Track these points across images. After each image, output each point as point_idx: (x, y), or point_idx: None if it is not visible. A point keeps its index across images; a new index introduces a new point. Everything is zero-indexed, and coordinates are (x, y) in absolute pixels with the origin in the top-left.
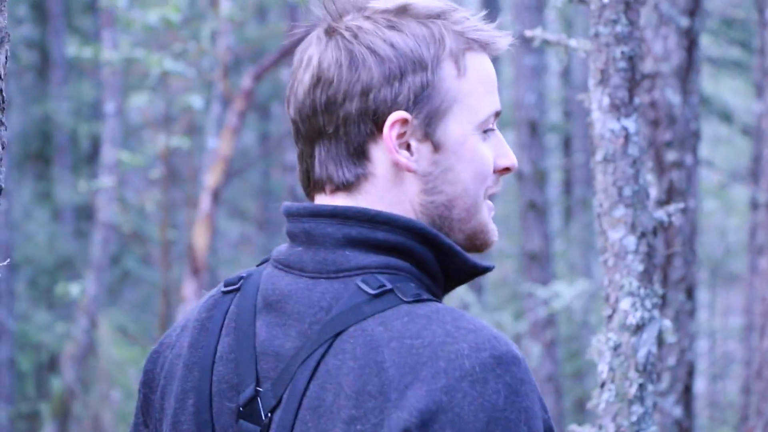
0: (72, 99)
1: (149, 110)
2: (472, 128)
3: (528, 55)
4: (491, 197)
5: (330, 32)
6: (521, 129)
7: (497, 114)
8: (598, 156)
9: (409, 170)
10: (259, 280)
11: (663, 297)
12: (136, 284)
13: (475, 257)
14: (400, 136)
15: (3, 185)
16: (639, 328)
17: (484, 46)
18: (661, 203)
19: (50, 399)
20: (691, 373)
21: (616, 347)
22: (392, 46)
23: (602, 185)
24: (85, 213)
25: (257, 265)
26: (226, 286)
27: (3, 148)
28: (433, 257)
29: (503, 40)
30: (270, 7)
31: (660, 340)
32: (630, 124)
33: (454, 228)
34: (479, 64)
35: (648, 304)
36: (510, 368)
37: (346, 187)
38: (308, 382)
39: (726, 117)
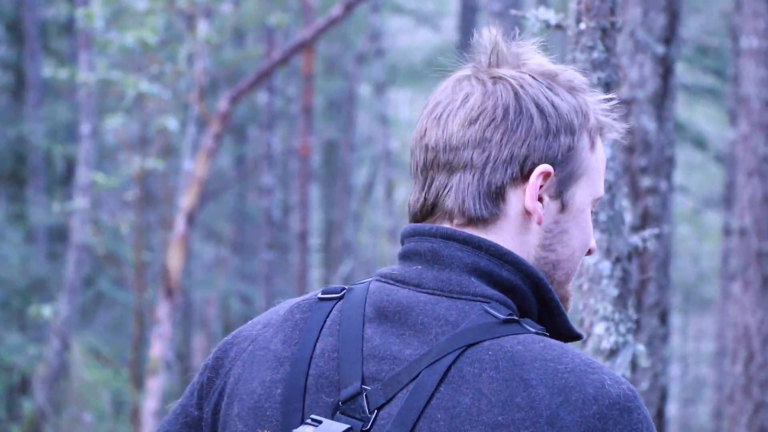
0: (47, 120)
1: (125, 132)
2: (590, 201)
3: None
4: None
5: (495, 77)
6: None
7: (598, 199)
8: None
9: (538, 221)
10: (366, 291)
11: (637, 321)
12: (110, 306)
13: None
14: (539, 188)
15: None
16: (613, 353)
17: (609, 130)
18: (636, 228)
19: (21, 421)
20: (663, 398)
21: None
22: (552, 104)
23: None
24: (59, 234)
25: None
26: (324, 293)
27: None
28: (537, 309)
29: (620, 128)
30: (247, 30)
31: (634, 365)
32: (606, 149)
33: (552, 288)
34: (601, 146)
35: (622, 328)
36: (641, 402)
37: (479, 222)
38: (438, 384)
39: (700, 143)
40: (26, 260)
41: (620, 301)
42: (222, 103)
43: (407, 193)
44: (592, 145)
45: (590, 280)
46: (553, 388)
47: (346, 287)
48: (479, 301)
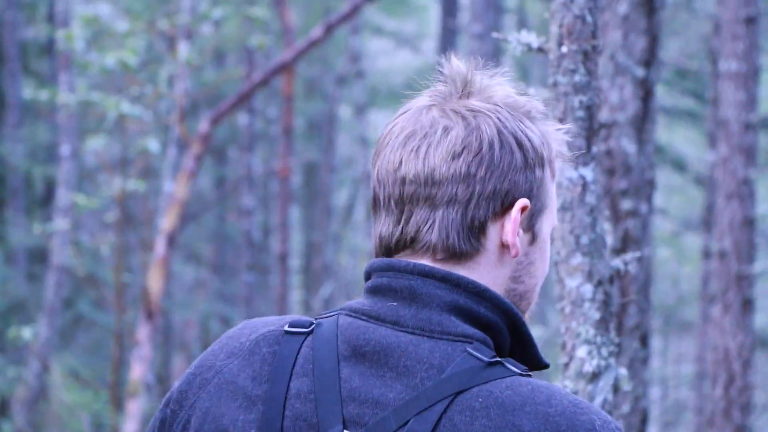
0: (27, 141)
1: (105, 153)
2: (551, 229)
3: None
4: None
5: (473, 111)
6: None
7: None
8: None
9: (515, 255)
10: (335, 327)
11: (618, 345)
12: (89, 328)
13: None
14: (519, 223)
15: None
16: (595, 376)
17: (563, 158)
18: (617, 251)
19: None
20: (644, 421)
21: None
22: (528, 138)
23: (560, 233)
24: (39, 256)
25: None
26: (292, 326)
27: None
28: (509, 342)
29: (569, 154)
30: (228, 51)
31: (616, 388)
32: (588, 172)
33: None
34: (558, 171)
35: (604, 352)
36: None
37: (460, 256)
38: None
39: (680, 166)
40: (5, 282)
41: (602, 324)
42: (202, 125)
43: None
44: (553, 174)
45: (572, 303)
46: (546, 427)
47: (315, 321)
48: (461, 341)
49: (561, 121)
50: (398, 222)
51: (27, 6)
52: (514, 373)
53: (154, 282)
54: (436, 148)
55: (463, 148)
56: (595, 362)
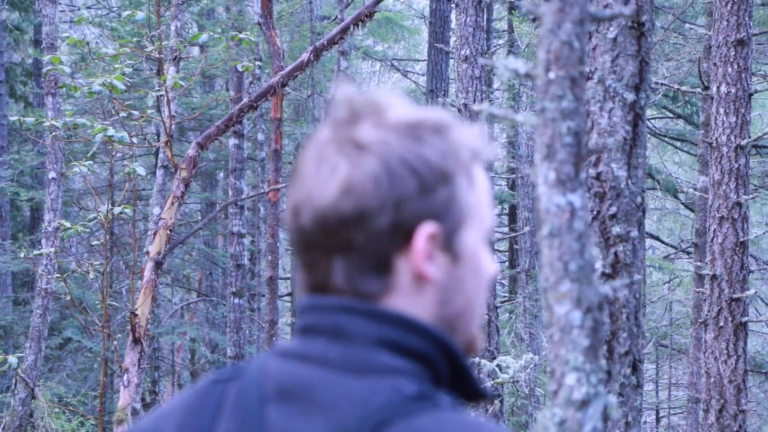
0: (13, 165)
1: (92, 177)
2: (481, 238)
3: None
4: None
5: (356, 143)
6: None
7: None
8: (544, 230)
9: (432, 281)
10: (264, 369)
11: (608, 372)
12: (77, 353)
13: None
14: (430, 251)
15: None
16: (584, 404)
17: (483, 155)
18: (607, 276)
19: None
20: None
21: (561, 423)
22: (422, 159)
23: (548, 260)
24: (25, 281)
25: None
26: (219, 376)
27: None
28: (449, 374)
29: (492, 149)
30: (216, 75)
31: (605, 416)
32: (576, 198)
33: (454, 338)
34: (481, 174)
35: (593, 379)
36: None
37: (375, 296)
38: None
39: (671, 190)
40: None
41: (591, 352)
42: (190, 149)
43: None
44: (470, 180)
45: (561, 330)
46: None
47: (242, 366)
48: (387, 376)
49: (548, 147)
50: (308, 269)
51: (13, 29)
52: (442, 408)
53: (142, 307)
54: (323, 193)
55: (349, 187)
56: (584, 390)
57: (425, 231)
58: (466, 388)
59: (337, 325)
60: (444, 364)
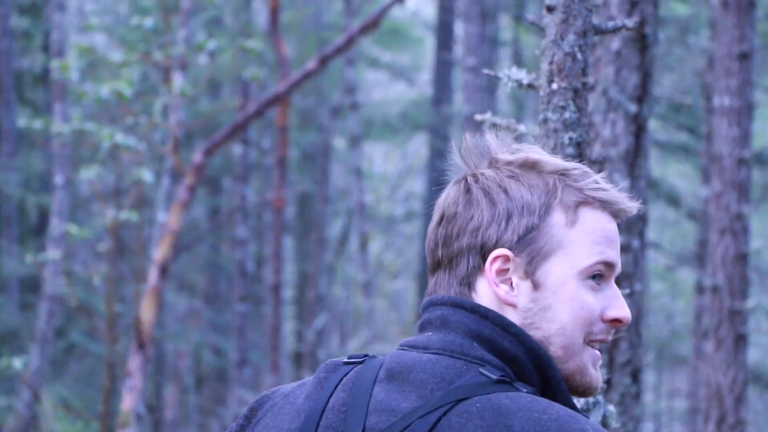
0: (21, 170)
1: (99, 183)
2: (574, 273)
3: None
4: (601, 347)
5: (459, 179)
6: None
7: (609, 265)
8: None
9: (508, 304)
10: (384, 359)
11: (608, 381)
12: (81, 358)
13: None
14: (502, 272)
15: None
16: (584, 413)
17: (603, 204)
18: None
19: None
20: None
21: None
22: (504, 191)
23: None
24: (31, 285)
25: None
26: (349, 359)
27: None
28: (539, 383)
29: (629, 203)
30: (222, 82)
31: (604, 425)
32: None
33: (553, 357)
34: (593, 218)
35: None
36: None
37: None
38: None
39: (673, 200)
40: None
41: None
42: (197, 155)
43: (380, 246)
44: (570, 218)
45: None
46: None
47: (369, 355)
48: (477, 363)
49: None
50: (431, 278)
51: (22, 35)
52: (520, 391)
53: (147, 312)
54: (433, 219)
55: (441, 216)
56: (583, 399)
57: (494, 255)
58: (555, 399)
59: (444, 316)
60: (533, 371)
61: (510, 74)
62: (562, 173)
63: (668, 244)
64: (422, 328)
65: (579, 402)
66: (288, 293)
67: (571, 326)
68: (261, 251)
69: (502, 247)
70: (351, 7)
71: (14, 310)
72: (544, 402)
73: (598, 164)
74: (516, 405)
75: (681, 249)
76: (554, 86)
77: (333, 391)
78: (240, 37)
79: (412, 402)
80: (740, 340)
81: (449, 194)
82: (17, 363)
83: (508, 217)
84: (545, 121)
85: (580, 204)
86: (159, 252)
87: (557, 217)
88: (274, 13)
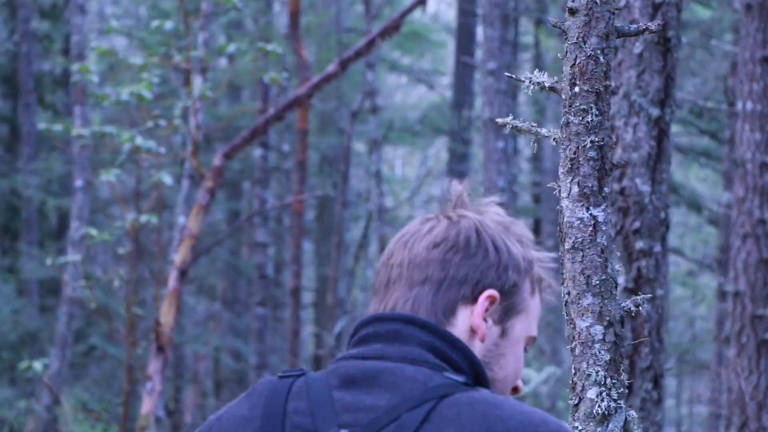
0: (41, 173)
1: (119, 186)
2: (525, 336)
3: (498, 139)
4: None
5: (460, 215)
6: None
7: (534, 339)
8: (567, 244)
9: (482, 338)
10: (326, 371)
11: (629, 386)
12: (101, 360)
13: None
14: (486, 310)
15: None
16: (605, 418)
17: (546, 285)
18: (629, 291)
19: None
20: None
21: None
22: (506, 245)
23: (570, 273)
24: (51, 288)
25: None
26: (284, 373)
27: None
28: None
29: (554, 287)
30: (242, 85)
31: (626, 431)
32: (599, 213)
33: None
34: (538, 296)
35: (614, 393)
36: None
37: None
38: (422, 423)
39: (695, 205)
40: (18, 313)
41: (612, 366)
42: (216, 159)
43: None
44: (533, 291)
45: (582, 344)
46: (524, 422)
47: (304, 370)
48: (439, 369)
49: (572, 161)
50: (382, 300)
51: (42, 38)
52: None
53: (166, 315)
54: (420, 241)
55: (443, 239)
56: (605, 404)
57: (489, 293)
58: None
59: (395, 330)
60: (473, 378)
61: (532, 77)
62: (533, 248)
63: (690, 249)
64: (363, 341)
65: (601, 408)
66: (307, 297)
67: (512, 378)
68: (280, 255)
69: (495, 289)
70: (371, 11)
71: (34, 312)
72: (515, 400)
73: (620, 168)
74: (498, 399)
75: (703, 254)
76: (576, 89)
77: (286, 399)
78: (260, 40)
79: (389, 400)
80: (762, 346)
81: (454, 225)
82: (37, 365)
83: (505, 269)
84: (567, 124)
85: (539, 280)
86: (178, 255)
87: (527, 284)
88: (295, 16)
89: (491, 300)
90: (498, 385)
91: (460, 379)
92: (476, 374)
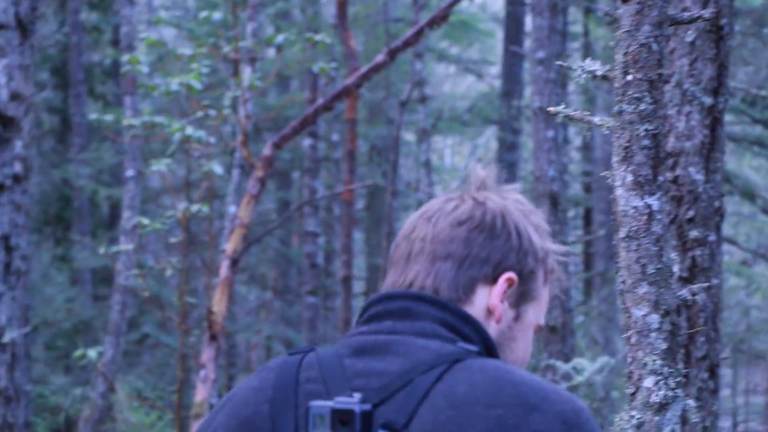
0: (92, 163)
1: (169, 176)
2: (535, 323)
3: (548, 128)
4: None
5: (486, 197)
6: (541, 202)
7: (541, 328)
8: (622, 233)
9: (498, 319)
10: (334, 345)
11: (686, 375)
12: (154, 348)
13: None
14: (504, 291)
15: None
16: (663, 407)
17: (554, 278)
18: (684, 280)
19: None
20: None
21: (639, 425)
22: (528, 232)
23: (625, 262)
24: (104, 277)
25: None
26: (293, 351)
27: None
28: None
29: (561, 278)
30: (291, 76)
31: (684, 419)
32: (654, 201)
33: None
34: (549, 287)
35: (671, 382)
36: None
37: (449, 302)
38: (434, 383)
39: (748, 195)
40: (71, 302)
41: (669, 355)
42: (266, 148)
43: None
44: (545, 281)
45: (638, 333)
46: (535, 388)
47: (314, 346)
48: (452, 341)
49: (626, 150)
50: (401, 273)
51: (92, 30)
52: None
53: (218, 304)
54: (445, 218)
55: (469, 218)
56: (662, 393)
57: (509, 275)
58: None
59: (406, 307)
60: (485, 352)
61: (584, 66)
62: (548, 239)
63: (744, 238)
64: (373, 319)
65: (658, 397)
66: (358, 286)
67: (520, 363)
68: (331, 244)
69: (514, 272)
70: (419, 1)
71: (87, 301)
72: (525, 372)
73: (673, 157)
74: (508, 367)
75: (757, 244)
76: (629, 77)
77: (298, 370)
78: (308, 30)
79: (402, 365)
80: None
81: (480, 206)
82: (92, 353)
83: (525, 254)
84: (620, 112)
85: (551, 271)
86: (230, 244)
87: (540, 273)
88: (342, 6)
89: (510, 283)
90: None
91: (474, 348)
92: (488, 349)
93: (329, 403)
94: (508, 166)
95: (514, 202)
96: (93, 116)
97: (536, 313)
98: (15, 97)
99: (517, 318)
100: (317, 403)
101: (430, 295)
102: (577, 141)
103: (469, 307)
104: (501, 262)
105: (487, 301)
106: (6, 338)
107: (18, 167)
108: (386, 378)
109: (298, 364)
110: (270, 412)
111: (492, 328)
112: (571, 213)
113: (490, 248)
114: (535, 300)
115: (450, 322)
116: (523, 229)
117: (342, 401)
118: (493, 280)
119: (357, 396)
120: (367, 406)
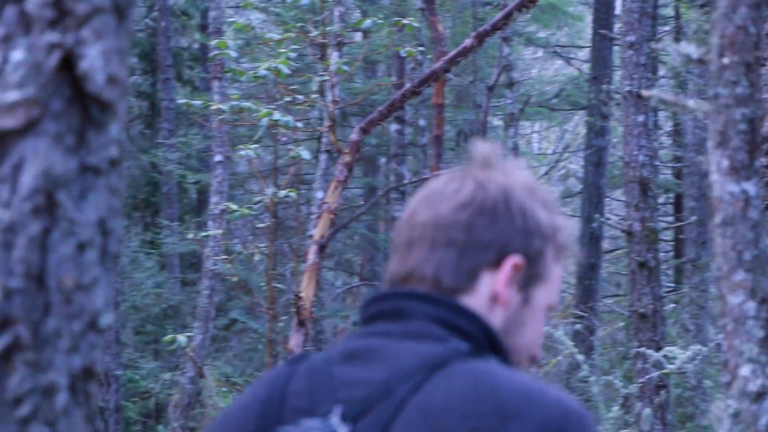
0: (180, 148)
1: (257, 161)
2: (546, 304)
3: (638, 113)
4: None
5: (485, 178)
6: (631, 188)
7: (554, 307)
8: (717, 219)
9: (504, 306)
10: (329, 351)
11: None
12: (242, 334)
13: None
14: (509, 276)
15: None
16: (760, 396)
17: (567, 254)
18: None
19: None
20: None
21: (735, 414)
22: (533, 211)
23: (721, 249)
24: (192, 262)
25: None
26: (290, 360)
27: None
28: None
29: (575, 251)
30: (378, 60)
31: None
32: (750, 187)
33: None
34: (563, 264)
35: None
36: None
37: (450, 291)
38: (412, 393)
39: None
40: (160, 287)
41: (766, 343)
42: (353, 134)
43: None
44: (556, 258)
45: (735, 320)
46: (519, 393)
47: (311, 353)
48: (444, 341)
49: (722, 134)
50: (403, 260)
51: (180, 15)
52: (492, 360)
53: (306, 289)
54: (447, 201)
55: (470, 202)
56: (759, 381)
57: (513, 260)
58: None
59: (398, 307)
60: (488, 348)
61: (678, 49)
62: (558, 213)
63: None
64: (369, 321)
65: (755, 386)
66: None
67: (529, 346)
68: None
69: (518, 254)
70: None
71: (176, 286)
72: (519, 374)
73: None
74: (497, 369)
75: None
76: (725, 61)
77: (287, 382)
78: (395, 14)
79: (386, 373)
80: None
81: (482, 187)
82: (181, 339)
83: (531, 235)
84: (716, 96)
85: (562, 247)
86: (317, 230)
87: (551, 251)
88: None
89: (516, 267)
90: (516, 354)
91: (464, 347)
92: (490, 340)
93: (297, 430)
94: (596, 151)
95: (519, 180)
96: (181, 101)
97: (547, 294)
98: (111, 80)
99: (525, 301)
100: (287, 430)
101: (423, 291)
102: (667, 126)
103: (473, 295)
104: (505, 245)
105: (491, 287)
106: (102, 323)
107: (114, 151)
108: (369, 388)
109: (291, 374)
110: (256, 429)
111: (498, 315)
112: (661, 199)
113: (493, 232)
114: (544, 281)
115: (443, 318)
116: (528, 208)
117: (307, 428)
118: (498, 265)
119: (337, 411)
120: (338, 429)
